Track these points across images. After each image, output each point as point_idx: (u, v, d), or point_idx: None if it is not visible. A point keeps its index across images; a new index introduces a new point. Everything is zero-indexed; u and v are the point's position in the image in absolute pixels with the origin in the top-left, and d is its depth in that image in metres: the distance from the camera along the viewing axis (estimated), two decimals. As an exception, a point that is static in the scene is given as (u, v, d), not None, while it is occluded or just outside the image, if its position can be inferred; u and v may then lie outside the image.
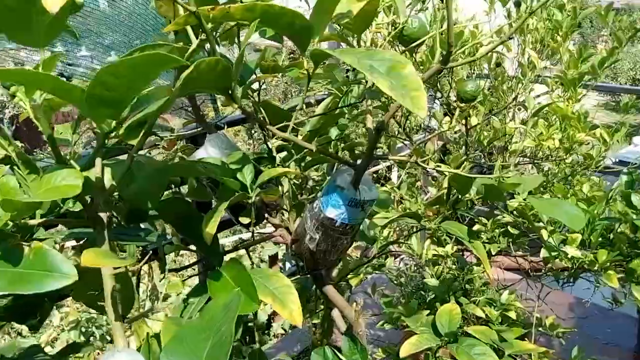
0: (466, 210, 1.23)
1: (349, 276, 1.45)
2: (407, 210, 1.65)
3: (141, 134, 0.59)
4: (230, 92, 0.72)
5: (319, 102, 1.37)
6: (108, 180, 0.72)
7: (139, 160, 0.72)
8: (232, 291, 0.73)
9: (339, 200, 0.92)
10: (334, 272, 1.66)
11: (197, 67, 0.60)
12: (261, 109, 1.07)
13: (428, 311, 1.48)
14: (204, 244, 0.79)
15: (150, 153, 1.48)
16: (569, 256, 1.23)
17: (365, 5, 0.84)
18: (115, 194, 0.74)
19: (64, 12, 0.62)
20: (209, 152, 1.02)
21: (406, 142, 1.73)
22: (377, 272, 1.79)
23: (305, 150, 1.18)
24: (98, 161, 0.70)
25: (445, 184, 1.10)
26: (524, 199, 1.21)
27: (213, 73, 0.64)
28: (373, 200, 0.95)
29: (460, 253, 1.72)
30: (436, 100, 1.77)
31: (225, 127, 1.53)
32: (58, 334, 3.19)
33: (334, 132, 1.35)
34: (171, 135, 1.47)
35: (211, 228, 0.75)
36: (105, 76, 0.51)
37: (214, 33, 1.02)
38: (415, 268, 1.86)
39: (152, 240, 0.75)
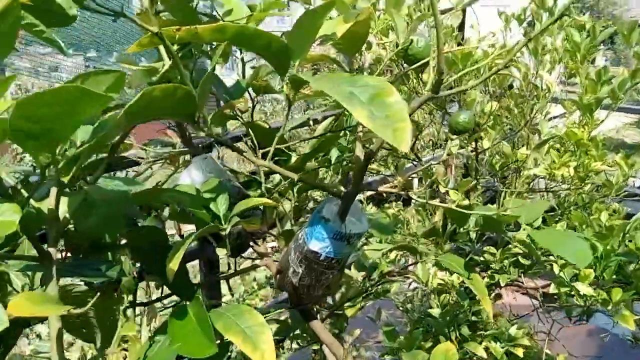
0: (467, 240, 1.15)
1: (345, 305, 1.38)
2: (415, 235, 1.58)
3: (73, 170, 0.54)
4: (196, 119, 0.67)
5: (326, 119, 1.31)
6: (64, 212, 0.67)
7: (95, 190, 0.67)
8: (190, 333, 0.67)
9: (323, 232, 0.85)
10: (337, 296, 1.59)
11: (148, 94, 0.55)
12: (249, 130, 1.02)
13: (431, 343, 1.40)
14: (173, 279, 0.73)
15: (152, 168, 1.45)
16: (581, 293, 1.14)
17: (353, 27, 0.78)
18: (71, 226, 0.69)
19: (10, 27, 0.57)
20: (192, 176, 0.97)
21: (415, 163, 1.65)
22: (382, 298, 1.71)
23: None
24: (53, 191, 0.65)
25: (439, 217, 1.03)
26: (532, 229, 1.13)
27: (170, 100, 0.58)
28: (361, 234, 0.88)
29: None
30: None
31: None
32: (74, 339, 3.18)
33: (334, 154, 1.29)
34: (172, 151, 1.43)
35: (174, 264, 0.70)
36: (29, 108, 0.46)
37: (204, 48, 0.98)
38: (424, 293, 1.77)
39: (112, 276, 0.70)
